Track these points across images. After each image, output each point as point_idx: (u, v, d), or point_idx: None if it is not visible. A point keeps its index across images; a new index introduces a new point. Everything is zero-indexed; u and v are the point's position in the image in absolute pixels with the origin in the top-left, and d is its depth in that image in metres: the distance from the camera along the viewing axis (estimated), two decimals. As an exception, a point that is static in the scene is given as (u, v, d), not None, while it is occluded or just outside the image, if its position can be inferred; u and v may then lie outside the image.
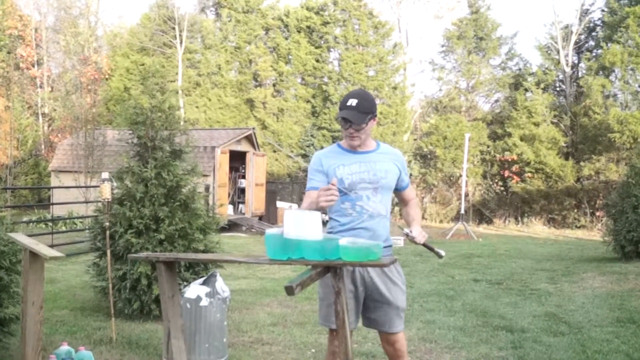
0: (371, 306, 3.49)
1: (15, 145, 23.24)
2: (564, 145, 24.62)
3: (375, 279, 3.45)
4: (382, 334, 3.54)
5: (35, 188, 24.13)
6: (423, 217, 25.68)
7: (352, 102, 3.35)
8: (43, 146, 27.02)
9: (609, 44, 23.16)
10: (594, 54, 25.25)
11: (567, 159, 24.41)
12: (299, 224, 3.22)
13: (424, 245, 3.46)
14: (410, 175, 26.29)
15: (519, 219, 24.44)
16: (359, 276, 3.45)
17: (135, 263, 5.94)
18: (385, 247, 3.39)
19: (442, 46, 28.92)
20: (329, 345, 3.54)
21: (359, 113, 3.34)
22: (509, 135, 25.05)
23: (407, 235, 3.47)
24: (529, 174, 24.38)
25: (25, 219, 16.93)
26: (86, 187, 16.27)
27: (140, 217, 6.13)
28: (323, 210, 3.23)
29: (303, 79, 27.88)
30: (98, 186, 6.09)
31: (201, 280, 5.01)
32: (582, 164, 23.58)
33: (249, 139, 20.43)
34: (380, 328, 3.51)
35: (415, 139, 27.72)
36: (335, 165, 3.45)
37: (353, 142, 3.44)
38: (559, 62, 25.79)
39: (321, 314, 3.55)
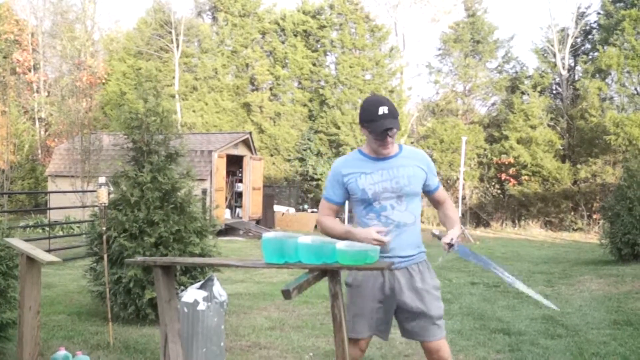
0: (405, 317, 3.37)
1: (12, 150, 23.20)
2: (561, 148, 24.66)
3: (405, 288, 3.32)
4: (422, 344, 3.41)
5: (32, 193, 24.09)
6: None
7: (384, 109, 3.16)
8: (40, 151, 26.98)
9: (605, 47, 23.22)
10: (590, 57, 25.32)
11: (563, 161, 24.46)
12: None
13: (448, 244, 3.26)
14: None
15: (516, 221, 24.46)
16: (387, 285, 3.32)
17: (128, 267, 5.93)
18: (419, 253, 3.36)
19: (439, 49, 29.00)
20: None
21: (394, 119, 3.18)
22: (506, 138, 25.09)
23: (436, 237, 3.40)
24: (526, 177, 24.41)
25: (22, 223, 16.89)
26: (83, 191, 16.24)
27: (134, 221, 6.12)
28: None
29: (300, 82, 27.91)
30: (95, 191, 6.08)
31: (198, 284, 5.00)
32: (578, 166, 23.62)
33: (246, 142, 20.43)
34: (418, 338, 3.40)
35: (412, 143, 27.74)
36: (357, 174, 3.31)
37: (386, 151, 3.28)
38: (555, 65, 25.85)
39: (352, 326, 3.39)
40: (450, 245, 3.23)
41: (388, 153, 3.28)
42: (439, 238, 3.33)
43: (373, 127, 3.18)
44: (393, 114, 3.16)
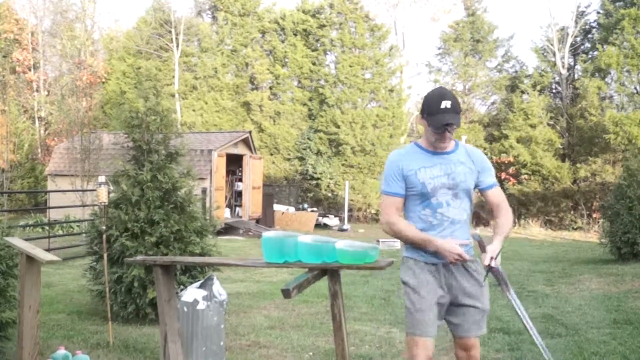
0: (456, 310, 3.29)
1: (12, 149, 23.21)
2: (560, 147, 24.66)
3: (463, 281, 3.26)
4: (459, 339, 3.32)
5: (31, 192, 24.08)
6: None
7: (447, 104, 3.11)
8: (39, 150, 26.97)
9: (604, 46, 23.22)
10: (589, 56, 25.32)
11: (563, 160, 24.46)
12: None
13: (489, 267, 3.15)
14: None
15: (516, 220, 24.43)
16: (444, 280, 3.25)
17: (129, 266, 5.93)
18: (469, 248, 3.31)
19: (439, 49, 28.99)
20: (409, 353, 3.26)
21: (455, 115, 3.12)
22: (506, 137, 25.09)
23: (477, 242, 3.27)
24: (526, 176, 24.41)
25: (21, 222, 16.89)
26: (82, 190, 16.24)
27: (135, 220, 6.12)
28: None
29: (299, 81, 27.90)
30: (94, 190, 6.08)
31: (198, 283, 5.01)
32: (578, 165, 23.63)
33: (246, 142, 20.43)
34: (463, 333, 3.30)
35: (412, 142, 27.72)
36: (416, 167, 3.23)
37: (444, 145, 3.22)
38: (555, 64, 25.84)
39: (412, 323, 3.24)
40: (490, 269, 3.14)
41: (445, 147, 3.23)
42: (480, 245, 3.23)
43: (433, 121, 3.13)
44: (455, 109, 3.12)
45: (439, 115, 3.10)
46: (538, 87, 25.24)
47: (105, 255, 5.79)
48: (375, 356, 5.17)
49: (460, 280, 3.24)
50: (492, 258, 3.12)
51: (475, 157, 3.31)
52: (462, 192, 3.23)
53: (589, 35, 26.35)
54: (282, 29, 28.29)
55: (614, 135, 21.39)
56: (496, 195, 3.35)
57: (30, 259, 4.24)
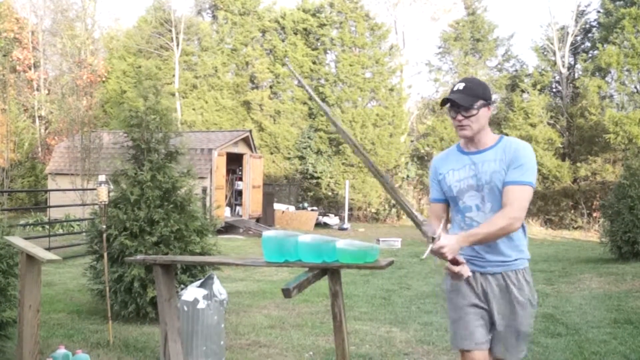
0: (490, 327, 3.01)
1: (12, 148, 23.20)
2: (561, 146, 24.65)
3: (497, 294, 2.94)
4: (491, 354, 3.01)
5: (32, 191, 24.09)
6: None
7: (459, 85, 2.94)
8: (40, 149, 26.97)
9: (604, 45, 23.21)
10: (590, 55, 25.30)
11: (563, 159, 24.45)
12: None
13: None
14: (408, 177, 26.30)
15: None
16: (481, 290, 2.96)
17: (130, 265, 5.94)
18: (517, 259, 2.95)
19: (439, 48, 28.96)
20: None
21: (465, 96, 2.88)
22: (506, 136, 25.06)
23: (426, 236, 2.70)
24: (526, 175, 24.36)
25: (22, 221, 16.89)
26: (83, 189, 16.24)
27: (135, 220, 6.12)
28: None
29: (300, 80, 27.87)
30: (95, 189, 6.08)
31: (198, 282, 5.01)
32: (578, 164, 23.62)
33: (246, 141, 20.43)
34: (496, 354, 3.00)
35: (412, 141, 27.74)
36: (447, 171, 3.05)
37: (463, 132, 2.95)
38: (555, 64, 25.83)
39: (453, 336, 3.06)
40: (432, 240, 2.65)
41: (468, 137, 2.97)
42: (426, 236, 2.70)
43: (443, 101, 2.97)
44: (468, 91, 2.91)
45: (448, 96, 2.93)
46: (538, 86, 25.22)
47: (105, 255, 5.79)
48: (375, 356, 5.16)
49: (495, 292, 2.94)
50: (439, 235, 2.65)
51: (510, 150, 2.94)
52: (491, 194, 2.90)
53: (589, 35, 26.33)
54: (283, 28, 28.29)
55: (614, 135, 21.38)
56: (509, 193, 2.84)
57: (31, 258, 4.24)
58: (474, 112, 2.91)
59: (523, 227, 2.99)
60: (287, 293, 3.04)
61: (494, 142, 3.03)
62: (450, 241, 2.67)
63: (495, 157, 2.94)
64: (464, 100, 2.88)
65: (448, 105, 2.93)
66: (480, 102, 2.92)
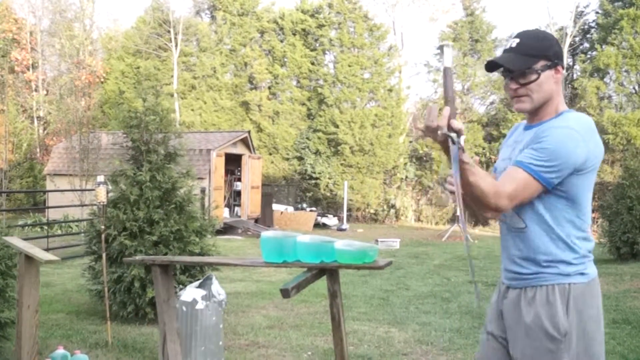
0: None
1: (10, 149, 23.18)
2: (560, 146, 24.65)
3: (508, 315, 2.31)
4: None
5: (30, 192, 24.07)
6: (418, 219, 25.69)
7: (513, 42, 2.23)
8: (38, 149, 26.97)
9: (603, 46, 23.26)
10: (588, 56, 25.35)
11: (562, 160, 24.46)
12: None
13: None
14: (406, 177, 26.31)
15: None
16: (498, 307, 2.39)
17: (129, 266, 5.94)
18: (540, 273, 2.20)
19: (437, 48, 28.96)
20: None
21: (517, 55, 2.19)
22: (504, 137, 25.10)
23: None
24: (525, 176, 24.38)
25: (20, 222, 16.87)
26: (81, 190, 16.23)
27: (134, 220, 6.12)
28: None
29: (298, 81, 27.90)
30: (93, 189, 6.08)
31: (197, 283, 5.01)
32: (577, 165, 23.62)
33: (245, 141, 20.42)
34: None
35: (410, 141, 27.75)
36: (503, 146, 2.53)
37: (519, 106, 2.28)
38: (553, 64, 25.83)
39: None
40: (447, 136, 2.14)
41: (526, 110, 2.29)
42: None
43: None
44: (523, 48, 2.20)
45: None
46: (537, 87, 25.23)
47: (104, 255, 5.79)
48: (374, 356, 5.17)
49: (508, 311, 2.31)
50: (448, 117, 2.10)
51: (543, 129, 2.19)
52: None
53: (588, 35, 26.39)
54: (281, 29, 28.29)
55: (612, 136, 21.42)
56: (504, 173, 2.24)
57: (29, 259, 4.24)
58: (533, 77, 2.19)
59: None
60: (285, 293, 3.04)
61: (550, 117, 2.26)
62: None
63: (532, 136, 2.24)
64: (516, 62, 2.19)
65: (501, 70, 2.26)
66: (542, 63, 2.20)
